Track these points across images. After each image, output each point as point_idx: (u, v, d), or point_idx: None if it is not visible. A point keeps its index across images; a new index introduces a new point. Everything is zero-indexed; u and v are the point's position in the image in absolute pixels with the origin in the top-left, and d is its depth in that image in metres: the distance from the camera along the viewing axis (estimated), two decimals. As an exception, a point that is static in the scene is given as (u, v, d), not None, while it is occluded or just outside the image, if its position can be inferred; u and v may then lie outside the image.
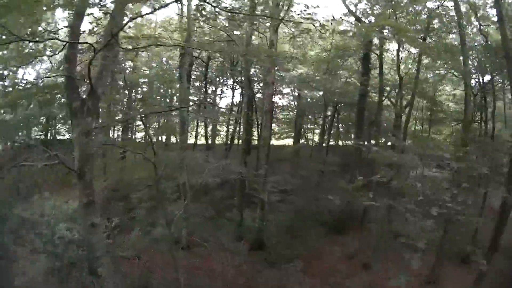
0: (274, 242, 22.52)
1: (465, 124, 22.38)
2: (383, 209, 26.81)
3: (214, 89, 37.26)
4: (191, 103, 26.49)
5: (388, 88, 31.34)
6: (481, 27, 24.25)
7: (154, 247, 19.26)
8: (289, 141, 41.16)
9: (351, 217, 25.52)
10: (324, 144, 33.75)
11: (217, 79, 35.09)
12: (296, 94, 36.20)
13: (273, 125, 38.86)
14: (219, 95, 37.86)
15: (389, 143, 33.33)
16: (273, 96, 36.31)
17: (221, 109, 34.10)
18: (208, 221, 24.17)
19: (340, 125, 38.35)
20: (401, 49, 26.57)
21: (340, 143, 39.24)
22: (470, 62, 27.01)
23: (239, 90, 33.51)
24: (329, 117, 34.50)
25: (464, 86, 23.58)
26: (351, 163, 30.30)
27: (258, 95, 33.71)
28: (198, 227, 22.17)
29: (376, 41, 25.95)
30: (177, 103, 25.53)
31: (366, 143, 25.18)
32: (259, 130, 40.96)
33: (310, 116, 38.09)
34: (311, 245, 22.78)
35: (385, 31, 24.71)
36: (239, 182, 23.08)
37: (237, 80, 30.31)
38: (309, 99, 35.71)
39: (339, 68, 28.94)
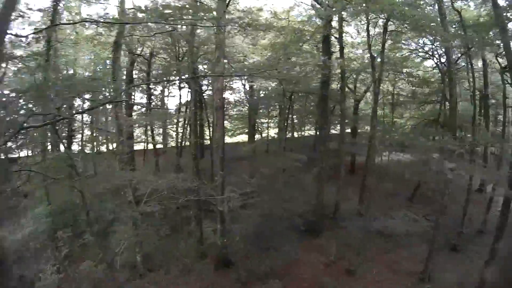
0: (242, 256, 18.96)
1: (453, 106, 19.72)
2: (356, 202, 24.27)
3: (161, 89, 32.77)
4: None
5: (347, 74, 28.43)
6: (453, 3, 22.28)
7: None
8: (244, 137, 38.26)
9: (323, 216, 22.32)
10: (280, 137, 30.90)
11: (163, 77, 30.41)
12: (248, 87, 32.59)
13: (225, 122, 35.67)
14: (166, 95, 33.64)
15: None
16: (224, 91, 32.80)
17: (170, 110, 29.78)
18: (165, 240, 20.29)
19: (294, 116, 35.58)
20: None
21: (295, 134, 36.96)
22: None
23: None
24: (284, 109, 31.14)
25: (447, 63, 20.75)
26: (314, 155, 27.41)
27: (209, 92, 30.02)
28: (154, 249, 19.33)
29: (335, 23, 22.66)
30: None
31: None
32: (211, 130, 37.15)
33: (262, 110, 35.50)
34: (286, 256, 19.49)
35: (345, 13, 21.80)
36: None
37: (183, 77, 26.25)
38: (262, 93, 32.23)
39: (296, 54, 25.43)
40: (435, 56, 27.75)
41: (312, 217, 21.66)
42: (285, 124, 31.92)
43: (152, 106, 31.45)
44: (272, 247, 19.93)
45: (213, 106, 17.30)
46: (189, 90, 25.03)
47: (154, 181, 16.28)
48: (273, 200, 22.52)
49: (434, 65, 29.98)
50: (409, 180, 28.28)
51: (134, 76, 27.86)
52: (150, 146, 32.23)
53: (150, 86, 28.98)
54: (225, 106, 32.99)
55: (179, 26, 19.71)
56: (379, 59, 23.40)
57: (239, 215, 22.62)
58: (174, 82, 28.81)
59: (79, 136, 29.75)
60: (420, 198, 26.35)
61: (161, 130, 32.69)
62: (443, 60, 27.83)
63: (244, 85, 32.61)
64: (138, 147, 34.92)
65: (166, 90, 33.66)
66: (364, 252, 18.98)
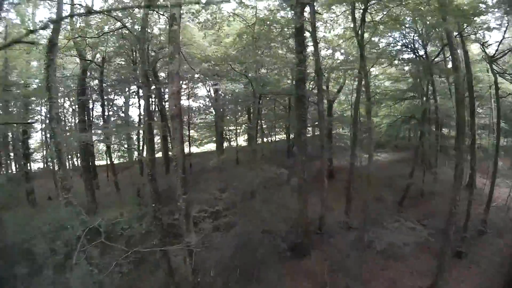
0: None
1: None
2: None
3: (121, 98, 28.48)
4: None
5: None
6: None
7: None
8: (212, 146, 34.65)
9: (308, 233, 18.76)
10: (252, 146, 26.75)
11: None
12: (213, 93, 28.76)
13: (192, 131, 32.55)
14: (120, 106, 29.24)
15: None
16: (185, 97, 28.74)
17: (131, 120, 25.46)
18: (129, 277, 16.12)
19: (263, 121, 32.11)
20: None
21: (265, 140, 33.63)
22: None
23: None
24: (255, 113, 27.68)
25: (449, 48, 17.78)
26: (289, 163, 23.97)
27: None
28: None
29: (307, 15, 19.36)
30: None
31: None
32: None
33: (229, 117, 32.14)
34: (270, 286, 15.67)
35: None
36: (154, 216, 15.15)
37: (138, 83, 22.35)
38: (228, 97, 28.53)
39: (266, 47, 21.92)
40: (415, 50, 24.98)
41: (296, 237, 18.05)
42: (255, 130, 28.28)
43: (112, 118, 27.20)
44: (253, 277, 16.18)
45: (169, 114, 13.43)
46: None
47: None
48: (249, 221, 18.81)
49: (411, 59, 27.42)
50: (393, 181, 25.46)
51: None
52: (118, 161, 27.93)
53: (107, 97, 24.68)
54: (190, 114, 29.13)
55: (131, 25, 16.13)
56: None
57: (212, 240, 18.89)
58: (129, 90, 24.64)
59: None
60: (410, 200, 23.22)
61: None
62: (421, 53, 25.37)
63: (208, 90, 28.73)
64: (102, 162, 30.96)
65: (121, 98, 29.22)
66: (360, 273, 15.64)
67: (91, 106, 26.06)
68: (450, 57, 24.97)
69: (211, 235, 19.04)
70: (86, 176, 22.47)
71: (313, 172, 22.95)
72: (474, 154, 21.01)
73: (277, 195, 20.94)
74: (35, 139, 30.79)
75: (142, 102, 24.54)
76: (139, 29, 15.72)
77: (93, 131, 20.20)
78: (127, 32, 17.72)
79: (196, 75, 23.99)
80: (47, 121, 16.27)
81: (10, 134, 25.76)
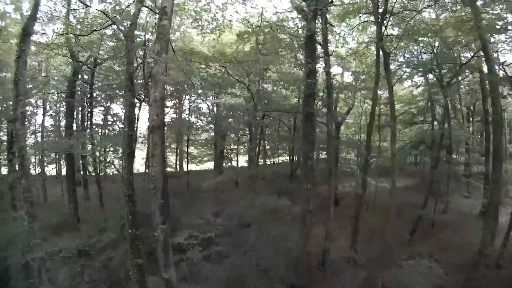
0: None
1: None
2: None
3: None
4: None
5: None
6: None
7: None
8: (211, 164, 32.05)
9: (309, 270, 15.80)
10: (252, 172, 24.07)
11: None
12: (212, 106, 26.28)
13: (191, 148, 30.27)
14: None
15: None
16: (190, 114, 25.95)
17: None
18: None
19: (266, 141, 30.07)
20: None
21: (268, 161, 31.46)
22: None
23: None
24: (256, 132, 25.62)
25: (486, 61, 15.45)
26: (291, 188, 21.20)
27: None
28: None
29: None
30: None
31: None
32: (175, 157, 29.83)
33: (231, 135, 29.24)
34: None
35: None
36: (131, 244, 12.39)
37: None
38: (229, 112, 26.11)
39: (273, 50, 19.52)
40: (431, 70, 22.48)
41: (296, 277, 15.05)
42: (257, 150, 25.97)
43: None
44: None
45: (149, 125, 10.84)
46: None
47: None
48: (244, 253, 15.99)
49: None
50: (400, 210, 22.66)
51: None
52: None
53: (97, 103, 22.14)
54: (192, 130, 26.37)
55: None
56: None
57: (201, 272, 16.07)
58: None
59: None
60: (420, 231, 20.58)
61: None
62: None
63: (209, 105, 26.17)
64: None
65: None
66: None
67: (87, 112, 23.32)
68: (463, 79, 23.60)
69: (200, 267, 16.18)
70: (68, 186, 19.85)
71: (316, 198, 20.16)
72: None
73: (276, 224, 18.08)
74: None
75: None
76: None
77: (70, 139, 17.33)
78: (119, 31, 15.32)
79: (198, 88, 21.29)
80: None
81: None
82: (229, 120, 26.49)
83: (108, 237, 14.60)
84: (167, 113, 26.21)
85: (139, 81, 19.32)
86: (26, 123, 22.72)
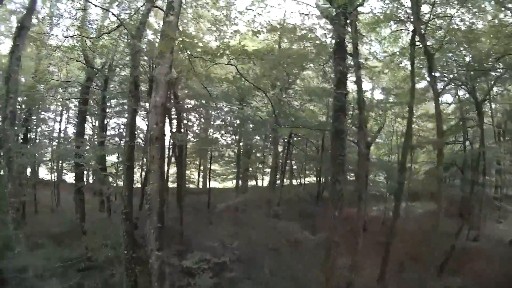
0: None
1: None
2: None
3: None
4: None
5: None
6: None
7: None
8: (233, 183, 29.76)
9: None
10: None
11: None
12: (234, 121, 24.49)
13: (215, 165, 28.35)
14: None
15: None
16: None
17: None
18: None
19: (293, 161, 28.02)
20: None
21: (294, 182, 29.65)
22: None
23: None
24: (282, 152, 24.39)
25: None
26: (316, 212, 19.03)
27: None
28: None
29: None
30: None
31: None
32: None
33: (256, 153, 27.46)
34: None
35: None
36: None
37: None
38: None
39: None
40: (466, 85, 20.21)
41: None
42: (283, 170, 24.12)
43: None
44: None
45: (147, 135, 9.11)
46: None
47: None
48: (259, 284, 13.89)
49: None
50: (429, 237, 19.98)
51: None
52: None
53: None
54: (213, 145, 24.78)
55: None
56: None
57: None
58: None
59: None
60: (452, 261, 17.61)
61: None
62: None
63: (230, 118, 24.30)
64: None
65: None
66: None
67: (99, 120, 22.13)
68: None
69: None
70: (76, 196, 18.49)
71: (343, 224, 17.78)
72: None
73: (297, 252, 15.88)
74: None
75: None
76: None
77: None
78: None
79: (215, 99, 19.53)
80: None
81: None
82: (256, 137, 24.77)
83: (106, 253, 12.92)
84: (192, 128, 25.01)
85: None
86: (42, 128, 22.08)
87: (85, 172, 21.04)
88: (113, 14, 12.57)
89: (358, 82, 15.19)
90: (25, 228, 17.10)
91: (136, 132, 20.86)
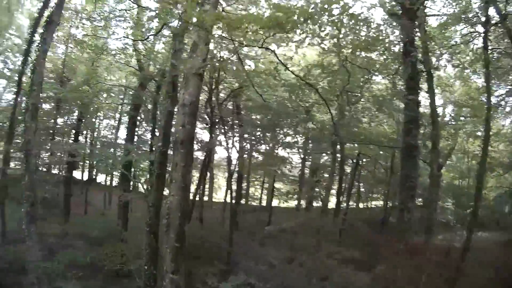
0: None
1: None
2: None
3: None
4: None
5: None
6: None
7: None
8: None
9: None
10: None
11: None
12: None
13: (278, 184, 26.65)
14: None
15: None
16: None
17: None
18: None
19: (361, 184, 27.23)
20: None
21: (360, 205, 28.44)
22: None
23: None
24: (348, 174, 23.01)
25: None
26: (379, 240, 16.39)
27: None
28: None
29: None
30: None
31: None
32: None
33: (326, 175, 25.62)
34: None
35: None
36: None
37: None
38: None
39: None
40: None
41: None
42: (349, 192, 22.62)
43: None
44: None
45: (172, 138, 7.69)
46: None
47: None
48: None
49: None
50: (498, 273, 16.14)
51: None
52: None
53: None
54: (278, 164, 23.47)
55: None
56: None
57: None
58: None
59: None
60: None
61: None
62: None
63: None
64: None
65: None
66: None
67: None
68: None
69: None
70: (119, 201, 17.77)
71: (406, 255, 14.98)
72: None
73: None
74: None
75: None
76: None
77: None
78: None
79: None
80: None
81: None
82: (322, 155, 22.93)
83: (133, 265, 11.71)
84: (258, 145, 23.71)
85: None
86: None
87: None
88: (156, 13, 11.59)
89: (430, 92, 12.70)
90: (65, 226, 17.47)
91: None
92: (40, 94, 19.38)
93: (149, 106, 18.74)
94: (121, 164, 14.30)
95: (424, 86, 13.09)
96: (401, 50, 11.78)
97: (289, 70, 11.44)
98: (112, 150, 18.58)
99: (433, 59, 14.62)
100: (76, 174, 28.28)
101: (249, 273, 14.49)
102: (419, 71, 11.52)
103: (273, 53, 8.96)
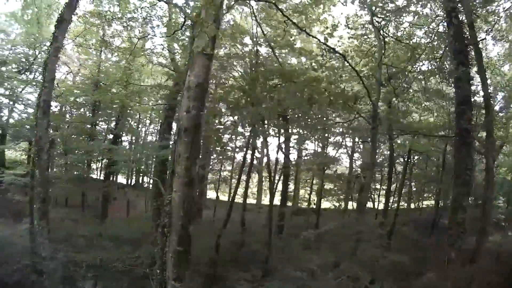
0: None
1: None
2: None
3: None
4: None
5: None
6: None
7: None
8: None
9: None
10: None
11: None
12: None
13: (329, 185, 24.58)
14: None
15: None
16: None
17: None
18: None
19: (413, 182, 24.80)
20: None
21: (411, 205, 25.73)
22: None
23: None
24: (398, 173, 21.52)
25: None
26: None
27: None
28: None
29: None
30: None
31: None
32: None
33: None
34: None
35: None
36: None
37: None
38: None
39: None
40: None
41: None
42: (399, 192, 20.76)
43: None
44: None
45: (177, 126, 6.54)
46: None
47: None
48: None
49: None
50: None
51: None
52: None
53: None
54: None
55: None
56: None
57: None
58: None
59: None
60: None
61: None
62: None
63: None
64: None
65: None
66: None
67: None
68: None
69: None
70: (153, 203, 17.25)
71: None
72: None
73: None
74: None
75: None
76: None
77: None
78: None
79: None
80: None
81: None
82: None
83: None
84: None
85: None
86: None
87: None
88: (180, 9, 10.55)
89: (481, 71, 10.67)
90: (100, 228, 17.35)
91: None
92: (71, 98, 19.84)
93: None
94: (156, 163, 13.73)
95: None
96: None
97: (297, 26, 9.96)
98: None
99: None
100: (122, 180, 28.46)
101: (285, 280, 13.03)
102: (467, 44, 9.58)
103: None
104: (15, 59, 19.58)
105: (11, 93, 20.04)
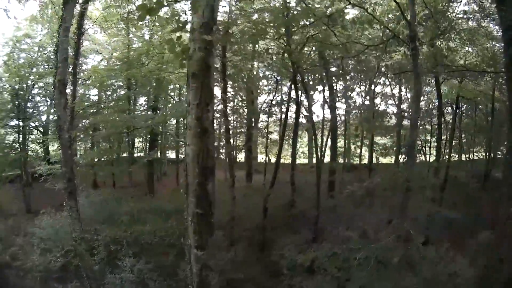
0: None
1: None
2: None
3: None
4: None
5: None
6: None
7: None
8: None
9: None
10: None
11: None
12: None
13: (381, 140, 24.21)
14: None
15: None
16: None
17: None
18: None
19: (463, 134, 23.23)
20: None
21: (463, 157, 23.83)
22: None
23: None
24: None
25: None
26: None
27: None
28: None
29: None
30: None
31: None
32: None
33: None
34: None
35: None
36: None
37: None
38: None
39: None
40: None
41: None
42: (450, 143, 19.62)
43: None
44: None
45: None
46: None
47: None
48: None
49: None
50: None
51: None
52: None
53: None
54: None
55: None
56: None
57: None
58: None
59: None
60: None
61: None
62: None
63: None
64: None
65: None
66: None
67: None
68: None
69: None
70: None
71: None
72: None
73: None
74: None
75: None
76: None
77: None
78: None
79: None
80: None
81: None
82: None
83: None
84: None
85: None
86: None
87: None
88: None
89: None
90: (144, 203, 17.43)
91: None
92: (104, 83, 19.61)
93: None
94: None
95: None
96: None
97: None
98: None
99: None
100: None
101: (336, 242, 12.25)
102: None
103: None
104: (44, 59, 19.81)
105: (47, 91, 20.45)
